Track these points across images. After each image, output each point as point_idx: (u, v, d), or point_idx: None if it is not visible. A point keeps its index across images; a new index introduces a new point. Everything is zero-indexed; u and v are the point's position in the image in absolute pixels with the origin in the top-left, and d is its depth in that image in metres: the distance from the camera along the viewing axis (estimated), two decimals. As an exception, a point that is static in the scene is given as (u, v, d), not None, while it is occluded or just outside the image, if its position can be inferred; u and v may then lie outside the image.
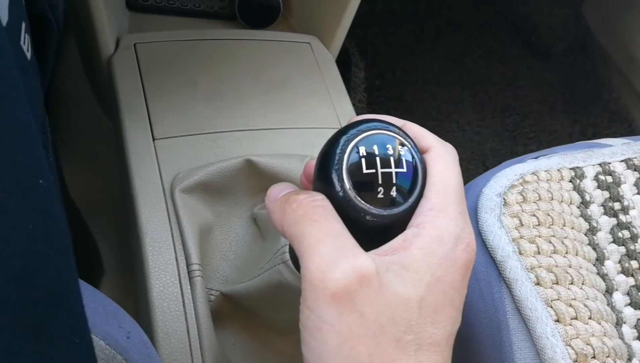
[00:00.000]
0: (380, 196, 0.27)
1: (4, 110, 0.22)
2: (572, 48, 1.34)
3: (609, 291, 0.47)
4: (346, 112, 0.62)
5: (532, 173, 0.51)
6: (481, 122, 1.24)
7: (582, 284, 0.44)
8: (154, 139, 0.54)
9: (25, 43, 0.31)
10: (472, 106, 1.26)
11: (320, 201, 0.28)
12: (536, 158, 0.54)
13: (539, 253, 0.45)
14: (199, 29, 0.67)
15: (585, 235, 0.49)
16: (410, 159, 0.28)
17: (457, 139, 1.21)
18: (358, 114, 0.74)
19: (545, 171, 0.51)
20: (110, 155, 0.64)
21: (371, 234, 0.28)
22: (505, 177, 0.50)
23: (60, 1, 0.41)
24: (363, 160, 0.27)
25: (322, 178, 0.28)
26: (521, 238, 0.46)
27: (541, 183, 0.50)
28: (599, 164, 0.53)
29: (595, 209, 0.51)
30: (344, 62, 1.05)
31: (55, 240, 0.25)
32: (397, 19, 1.31)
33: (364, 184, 0.27)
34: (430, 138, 0.31)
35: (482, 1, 1.38)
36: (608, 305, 0.46)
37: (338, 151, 0.27)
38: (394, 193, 0.27)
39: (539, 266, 0.44)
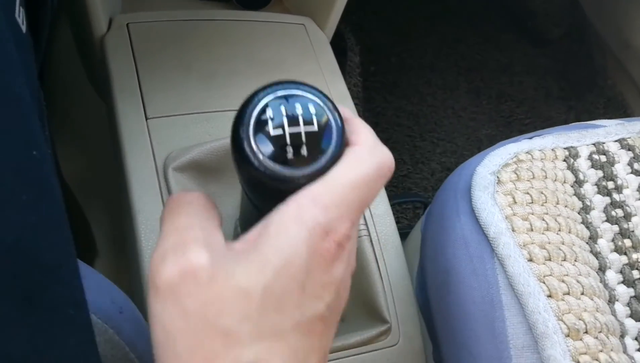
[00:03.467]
0: (289, 156, 0.26)
1: None
2: (568, 34, 1.34)
3: (602, 269, 0.47)
4: (340, 93, 0.62)
5: (526, 152, 0.51)
6: (476, 109, 1.24)
7: (575, 261, 0.44)
8: (146, 119, 0.54)
9: (20, 16, 0.30)
10: (468, 92, 1.26)
11: (191, 196, 0.28)
12: (530, 138, 0.54)
13: (532, 230, 0.45)
14: (193, 9, 0.67)
15: (578, 213, 0.49)
16: (322, 119, 0.27)
17: (453, 125, 1.21)
18: (353, 97, 0.74)
19: (540, 150, 0.51)
20: (104, 136, 0.64)
21: (287, 197, 0.27)
22: (499, 156, 0.50)
23: None
24: (270, 120, 0.26)
25: (233, 140, 0.27)
26: (514, 215, 0.46)
27: (535, 162, 0.50)
28: (593, 144, 0.53)
29: (589, 188, 0.51)
30: (339, 47, 1.05)
31: (49, 212, 0.25)
32: (393, 5, 1.31)
33: (273, 145, 0.26)
34: (363, 134, 0.29)
35: (478, -13, 1.38)
36: (601, 282, 0.46)
37: (247, 111, 0.27)
38: (304, 152, 0.26)
39: (532, 243, 0.44)
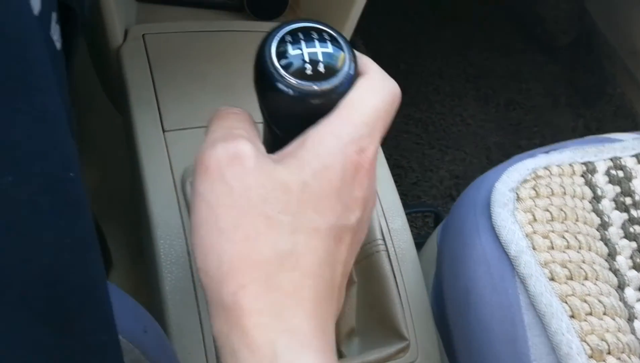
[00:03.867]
0: (308, 72, 0.29)
1: (35, 100, 0.21)
2: (577, 42, 1.34)
3: (621, 287, 0.47)
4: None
5: (544, 168, 0.51)
6: (485, 116, 1.24)
7: (596, 279, 0.44)
8: (164, 131, 0.53)
9: (55, 33, 0.30)
10: (476, 99, 1.26)
11: (237, 109, 0.32)
12: (547, 152, 0.54)
13: (552, 248, 0.45)
14: (208, 20, 0.67)
15: (597, 230, 0.49)
16: (336, 42, 0.30)
17: (461, 133, 1.21)
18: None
19: (558, 165, 0.51)
20: (120, 148, 0.64)
21: (310, 124, 0.30)
22: (518, 172, 0.50)
23: None
24: (289, 44, 0.29)
25: (256, 63, 0.30)
26: (535, 233, 0.46)
27: (553, 178, 0.50)
28: (610, 159, 0.53)
29: (606, 204, 0.51)
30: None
31: (83, 233, 0.24)
32: (402, 12, 1.31)
33: (294, 63, 0.29)
34: (373, 66, 0.31)
35: (486, -6, 1.38)
36: (620, 300, 0.46)
37: (268, 40, 0.30)
38: (321, 68, 0.29)
39: (553, 262, 0.44)
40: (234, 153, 0.28)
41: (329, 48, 0.30)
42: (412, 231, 0.55)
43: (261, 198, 0.27)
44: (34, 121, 0.21)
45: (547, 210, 0.47)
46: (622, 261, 0.49)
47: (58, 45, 0.30)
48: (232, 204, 0.27)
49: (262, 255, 0.27)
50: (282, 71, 0.29)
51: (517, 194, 0.48)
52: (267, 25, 0.66)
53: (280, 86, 0.29)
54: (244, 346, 0.26)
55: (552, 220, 0.47)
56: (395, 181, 0.57)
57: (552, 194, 0.49)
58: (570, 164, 0.52)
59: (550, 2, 1.31)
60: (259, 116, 0.32)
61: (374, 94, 0.30)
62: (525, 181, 0.49)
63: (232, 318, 0.27)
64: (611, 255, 0.49)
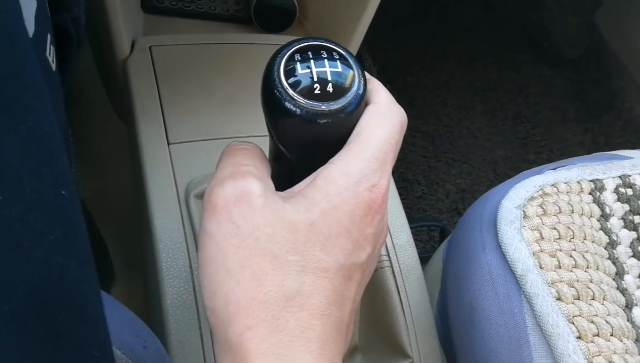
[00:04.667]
0: (317, 91, 0.28)
1: (28, 120, 0.21)
2: (585, 56, 1.33)
3: (628, 307, 0.47)
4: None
5: (552, 185, 0.50)
6: (492, 129, 1.24)
7: (604, 300, 0.43)
8: (168, 144, 0.53)
9: (51, 54, 0.30)
10: (483, 112, 1.25)
11: (247, 144, 0.32)
12: (554, 169, 0.53)
13: (559, 267, 0.44)
14: (215, 32, 0.67)
15: (605, 248, 0.49)
16: (345, 61, 0.30)
17: (468, 146, 1.20)
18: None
19: (565, 183, 0.51)
20: (123, 159, 0.63)
21: (318, 145, 0.30)
22: (524, 189, 0.49)
23: (83, 15, 0.41)
24: (298, 63, 0.29)
25: (264, 82, 0.30)
26: (542, 251, 0.45)
27: (561, 195, 0.50)
28: (619, 177, 0.53)
29: (615, 223, 0.50)
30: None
31: (76, 251, 0.24)
32: (409, 25, 1.31)
33: (302, 82, 0.29)
34: (382, 93, 0.31)
35: (494, 7, 1.38)
36: (628, 320, 0.45)
37: (277, 58, 0.29)
38: (330, 88, 0.29)
39: (560, 281, 0.43)
40: (242, 191, 0.28)
41: (338, 67, 0.29)
42: (417, 245, 0.54)
43: (268, 237, 0.27)
44: (26, 141, 0.21)
45: (555, 228, 0.46)
46: (630, 280, 0.48)
47: (53, 66, 0.30)
48: (239, 244, 0.27)
49: (269, 296, 0.27)
50: (290, 91, 0.28)
51: (523, 211, 0.47)
52: (275, 38, 0.67)
53: (288, 105, 0.28)
54: None
55: (559, 238, 0.46)
56: (401, 195, 0.57)
57: (560, 212, 0.48)
58: (578, 182, 0.51)
59: (559, 16, 1.31)
60: (264, 130, 0.32)
61: (383, 125, 0.30)
62: (532, 198, 0.48)
63: (238, 359, 0.27)
64: (619, 274, 0.48)
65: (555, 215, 0.48)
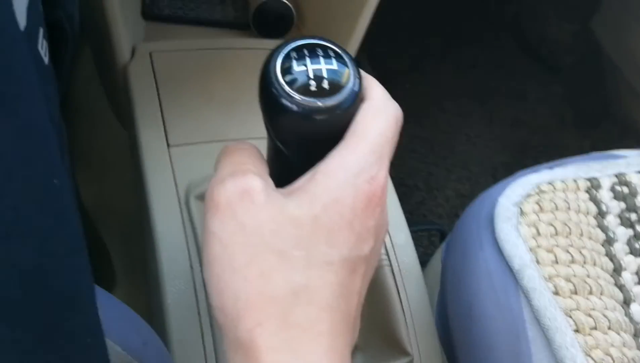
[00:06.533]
0: (313, 88, 0.29)
1: (19, 108, 0.22)
2: (582, 62, 1.34)
3: (626, 302, 0.47)
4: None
5: (548, 183, 0.51)
6: (491, 136, 1.24)
7: (601, 294, 0.44)
8: (168, 146, 0.54)
9: (43, 48, 0.31)
10: (482, 118, 1.26)
11: (244, 144, 0.32)
12: (551, 168, 0.54)
13: (556, 262, 0.45)
14: (214, 38, 0.68)
15: (602, 245, 0.49)
16: (340, 59, 0.30)
17: (467, 152, 1.21)
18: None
19: (561, 181, 0.51)
20: (124, 164, 0.64)
21: (315, 141, 0.30)
22: (521, 186, 0.50)
23: (76, 12, 0.42)
24: (294, 61, 0.29)
25: (261, 79, 0.30)
26: (538, 247, 0.45)
27: (557, 193, 0.50)
28: (615, 175, 0.53)
29: (611, 220, 0.51)
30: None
31: (68, 240, 0.25)
32: (407, 31, 1.32)
33: (298, 79, 0.29)
34: (377, 89, 0.31)
35: (491, 14, 1.39)
36: (626, 315, 0.46)
37: (273, 57, 0.30)
38: (325, 85, 0.29)
39: (557, 276, 0.44)
40: (244, 188, 0.28)
41: (334, 65, 0.30)
42: (417, 250, 0.55)
43: (273, 233, 0.27)
44: (17, 130, 0.21)
45: (551, 225, 0.47)
46: (628, 277, 0.48)
47: (46, 60, 0.30)
48: (245, 241, 0.27)
49: (277, 291, 0.27)
50: (286, 87, 0.29)
51: (520, 208, 0.48)
52: (273, 44, 0.67)
53: (285, 102, 0.29)
54: None
55: (556, 235, 0.46)
56: (401, 200, 0.57)
57: (556, 209, 0.48)
58: (575, 180, 0.52)
59: (555, 23, 1.32)
60: (262, 132, 0.32)
61: (379, 119, 0.30)
62: (528, 195, 0.49)
63: (249, 356, 0.27)
64: (616, 271, 0.48)
65: (551, 212, 0.48)
